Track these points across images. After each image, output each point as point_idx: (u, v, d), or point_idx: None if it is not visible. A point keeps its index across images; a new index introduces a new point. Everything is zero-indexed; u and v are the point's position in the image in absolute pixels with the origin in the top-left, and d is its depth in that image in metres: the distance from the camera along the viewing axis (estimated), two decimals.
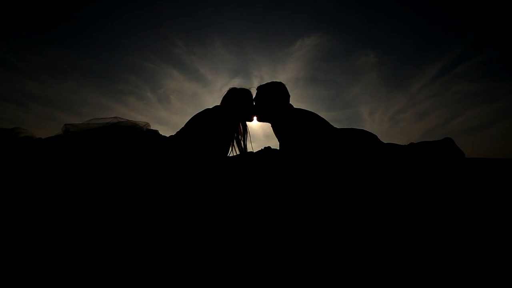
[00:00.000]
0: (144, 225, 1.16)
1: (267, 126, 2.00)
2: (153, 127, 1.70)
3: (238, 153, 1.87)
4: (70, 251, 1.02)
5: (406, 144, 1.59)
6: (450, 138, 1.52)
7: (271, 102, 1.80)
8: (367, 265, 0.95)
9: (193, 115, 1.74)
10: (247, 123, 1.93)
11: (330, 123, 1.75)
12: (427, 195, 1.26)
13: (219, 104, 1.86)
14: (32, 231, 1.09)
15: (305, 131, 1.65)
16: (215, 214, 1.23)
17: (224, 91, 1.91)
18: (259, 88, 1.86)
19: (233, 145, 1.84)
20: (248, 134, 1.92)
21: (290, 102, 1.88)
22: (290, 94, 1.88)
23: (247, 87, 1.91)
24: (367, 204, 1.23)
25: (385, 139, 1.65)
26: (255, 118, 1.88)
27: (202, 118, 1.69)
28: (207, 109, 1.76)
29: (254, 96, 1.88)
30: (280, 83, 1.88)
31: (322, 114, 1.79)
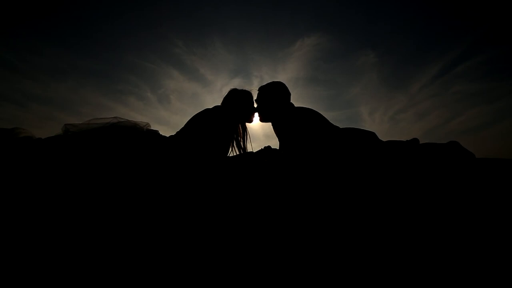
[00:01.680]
0: (145, 225, 1.16)
1: (267, 126, 2.02)
2: (153, 127, 1.70)
3: (237, 153, 1.88)
4: (70, 251, 1.01)
5: (409, 139, 1.56)
6: (456, 141, 1.51)
7: (273, 102, 1.82)
8: (368, 266, 0.95)
9: (193, 115, 1.75)
10: (247, 124, 1.94)
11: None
12: (438, 195, 1.24)
13: (219, 104, 1.87)
14: (32, 231, 1.09)
15: (305, 129, 1.66)
16: (215, 214, 1.23)
17: (224, 91, 1.92)
18: (261, 89, 1.88)
19: (233, 145, 1.86)
20: (248, 135, 1.94)
21: (290, 102, 1.90)
22: (290, 93, 1.90)
23: (247, 88, 1.92)
24: (369, 203, 1.23)
25: (385, 139, 1.65)
26: (254, 119, 1.90)
27: (202, 118, 1.70)
28: (207, 109, 1.76)
29: (254, 97, 1.89)
30: (281, 82, 1.90)
31: (322, 114, 1.79)
